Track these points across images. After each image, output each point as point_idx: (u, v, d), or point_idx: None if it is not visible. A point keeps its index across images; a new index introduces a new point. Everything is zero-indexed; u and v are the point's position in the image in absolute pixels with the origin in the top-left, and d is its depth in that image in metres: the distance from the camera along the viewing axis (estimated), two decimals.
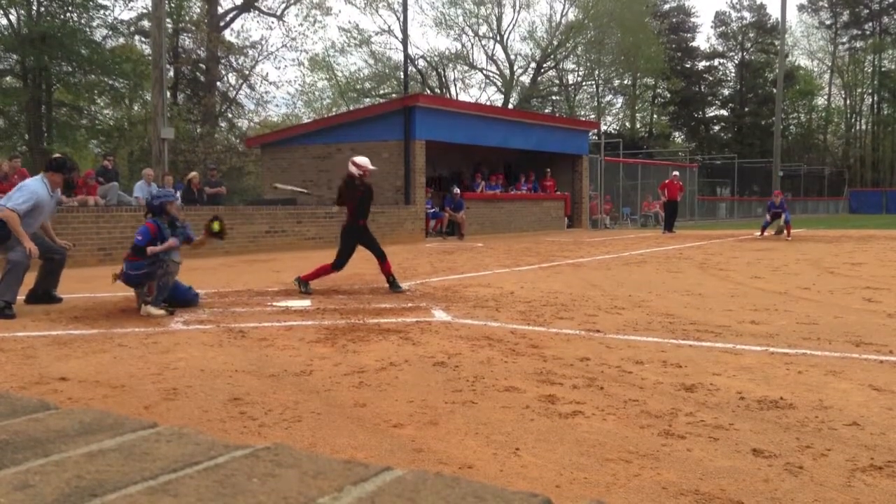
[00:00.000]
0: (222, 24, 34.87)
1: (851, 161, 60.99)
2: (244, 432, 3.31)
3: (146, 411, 3.65)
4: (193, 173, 17.30)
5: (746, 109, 59.25)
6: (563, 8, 51.36)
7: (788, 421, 3.45)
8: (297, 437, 3.25)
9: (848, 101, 61.51)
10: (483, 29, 46.47)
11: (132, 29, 33.09)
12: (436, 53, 47.43)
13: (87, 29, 29.91)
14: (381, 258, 8.34)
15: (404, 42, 29.02)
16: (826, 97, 61.76)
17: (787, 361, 4.70)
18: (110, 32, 31.88)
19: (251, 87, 36.38)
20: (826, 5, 60.13)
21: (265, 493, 0.67)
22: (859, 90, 60.70)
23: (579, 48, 47.33)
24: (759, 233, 20.35)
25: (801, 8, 61.38)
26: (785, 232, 19.21)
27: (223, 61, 35.24)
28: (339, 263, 8.32)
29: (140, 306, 6.73)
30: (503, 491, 0.73)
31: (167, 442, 0.76)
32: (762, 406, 3.69)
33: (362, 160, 8.48)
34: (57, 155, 8.88)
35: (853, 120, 62.02)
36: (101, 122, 33.30)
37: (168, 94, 21.35)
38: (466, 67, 47.97)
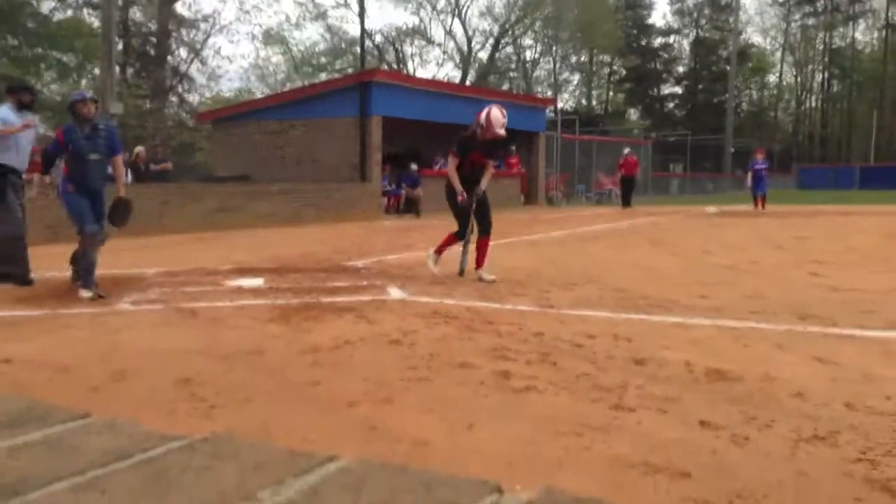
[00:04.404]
0: None
1: (801, 138, 62.25)
2: (193, 414, 3.27)
3: (93, 393, 3.57)
4: (140, 148, 16.87)
5: (700, 87, 59.95)
6: None
7: (735, 393, 3.53)
8: (248, 418, 3.22)
9: (799, 79, 62.67)
10: (441, 3, 46.10)
11: (81, 1, 32.08)
12: (393, 28, 46.94)
13: (34, 1, 28.91)
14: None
15: (361, 16, 28.67)
16: (778, 74, 62.85)
17: (734, 335, 4.80)
18: (58, 5, 30.87)
19: (203, 62, 35.63)
20: None
21: (201, 488, 0.64)
22: (810, 67, 61.83)
23: (537, 24, 47.26)
24: (752, 206, 19.65)
25: None
26: (760, 205, 18.78)
27: (174, 35, 34.37)
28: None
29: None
30: (452, 478, 0.72)
31: (97, 434, 0.74)
32: (710, 378, 3.77)
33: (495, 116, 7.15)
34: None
35: (803, 97, 63.23)
36: (48, 97, 32.29)
37: (117, 68, 20.77)
38: (424, 43, 47.63)
